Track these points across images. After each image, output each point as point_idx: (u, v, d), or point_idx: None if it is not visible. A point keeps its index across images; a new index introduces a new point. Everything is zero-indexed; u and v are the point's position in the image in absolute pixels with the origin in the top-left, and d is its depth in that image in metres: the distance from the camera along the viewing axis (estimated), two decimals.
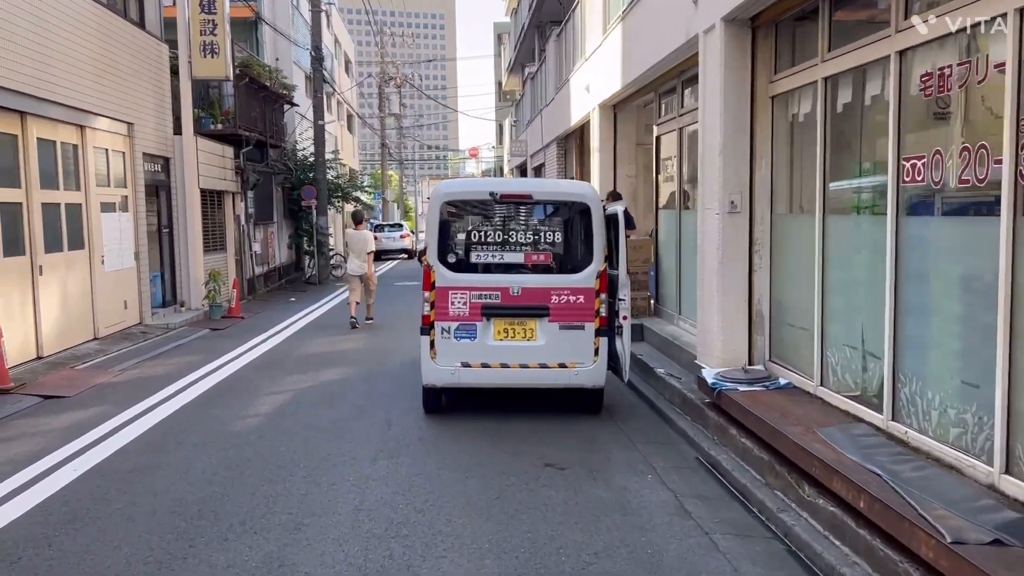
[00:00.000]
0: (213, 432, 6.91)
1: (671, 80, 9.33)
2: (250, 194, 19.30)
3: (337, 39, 37.44)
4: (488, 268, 7.05)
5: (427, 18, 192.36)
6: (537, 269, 7.08)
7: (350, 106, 38.76)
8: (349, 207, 31.97)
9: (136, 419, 7.43)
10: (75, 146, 11.59)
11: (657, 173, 10.17)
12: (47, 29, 10.45)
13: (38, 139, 10.44)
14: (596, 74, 12.07)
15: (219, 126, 18.10)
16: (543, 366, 7.00)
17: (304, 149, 24.77)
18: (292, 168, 23.64)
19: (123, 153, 13.23)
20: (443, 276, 7.01)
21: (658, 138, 10.08)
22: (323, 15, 26.25)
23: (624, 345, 7.16)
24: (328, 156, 24.49)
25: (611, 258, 7.21)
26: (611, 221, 7.30)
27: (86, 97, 11.56)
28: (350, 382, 9.05)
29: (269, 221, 21.34)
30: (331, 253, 25.18)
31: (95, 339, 11.88)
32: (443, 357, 7.04)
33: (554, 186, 7.61)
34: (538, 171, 22.25)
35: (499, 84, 54.12)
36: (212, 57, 15.23)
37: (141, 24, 14.17)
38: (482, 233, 7.04)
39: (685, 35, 7.62)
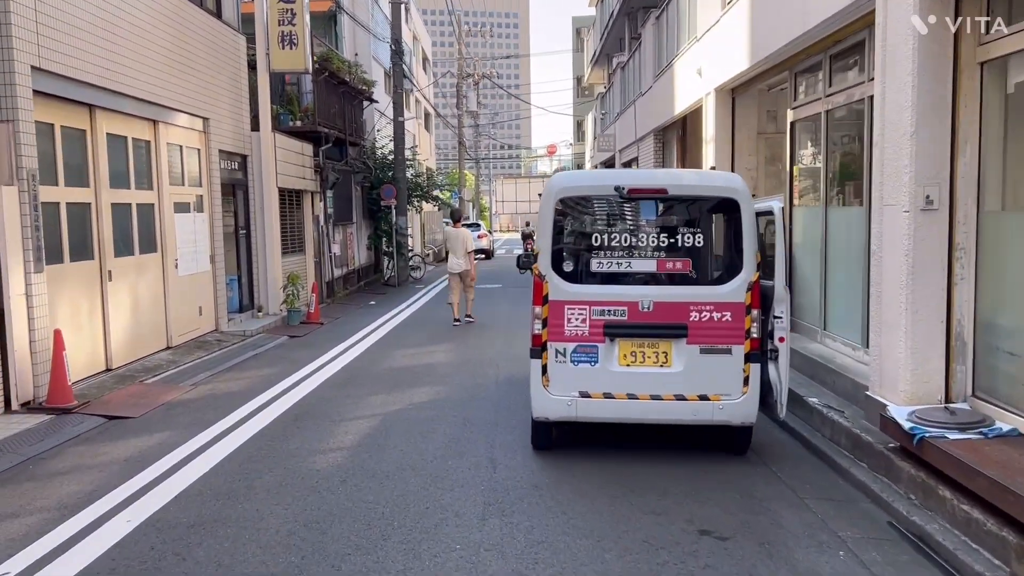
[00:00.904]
0: (290, 471, 5.88)
1: (814, 55, 7.93)
2: (329, 193, 18.54)
3: (415, 36, 36.76)
4: (613, 278, 5.84)
5: (501, 17, 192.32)
6: (673, 279, 5.83)
7: (428, 103, 38.03)
8: (428, 206, 31.17)
9: (203, 450, 6.47)
10: (147, 142, 10.85)
11: (792, 164, 8.78)
12: (116, 16, 9.69)
13: (108, 135, 9.69)
14: (711, 55, 10.73)
15: (298, 123, 17.41)
16: (679, 398, 5.75)
17: (383, 147, 24.01)
18: (371, 167, 22.88)
19: (198, 150, 12.50)
20: (557, 288, 5.83)
21: (793, 124, 8.68)
22: (402, 8, 25.48)
23: (781, 374, 5.86)
24: (407, 154, 23.68)
25: (764, 265, 5.92)
26: (763, 219, 6.01)
27: (159, 90, 10.81)
28: (443, 405, 7.96)
29: (348, 221, 20.59)
30: (410, 254, 24.35)
31: (168, 348, 11.13)
32: (557, 385, 5.86)
33: (695, 178, 6.30)
34: (628, 166, 20.90)
35: (577, 80, 52.84)
36: (291, 48, 14.42)
37: (218, 14, 13.44)
38: (606, 236, 5.83)
39: None
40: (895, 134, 5.48)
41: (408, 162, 24.11)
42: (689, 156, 14.42)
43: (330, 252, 18.36)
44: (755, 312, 5.71)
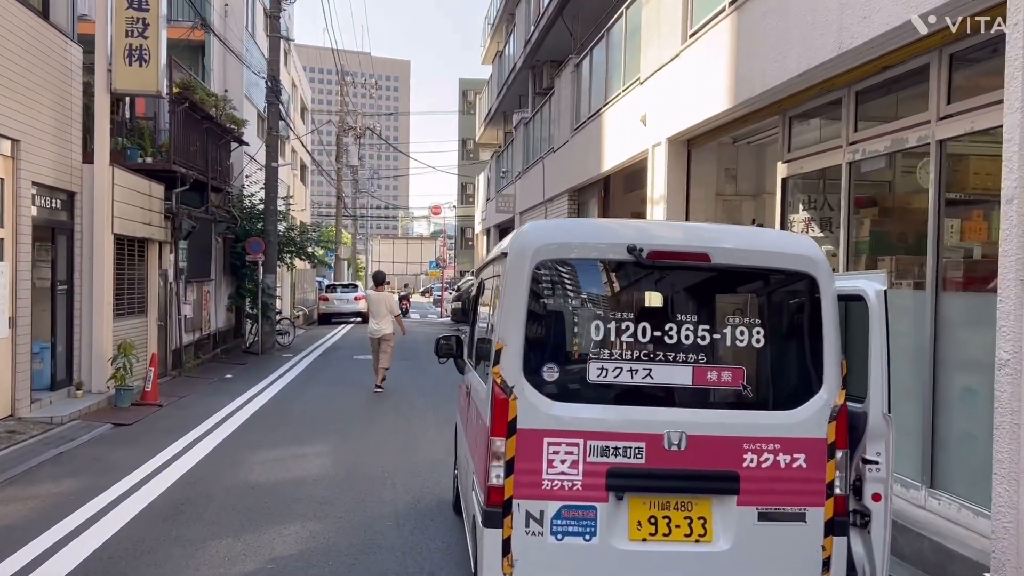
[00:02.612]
0: None
1: (829, 92, 6.17)
2: (182, 244, 15.59)
3: (295, 82, 34.22)
4: (622, 395, 3.61)
5: (381, 79, 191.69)
6: (716, 400, 3.67)
7: (306, 153, 35.33)
8: (300, 264, 28.27)
9: None
10: None
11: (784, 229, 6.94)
12: None
13: None
14: (662, 99, 8.96)
15: (149, 159, 14.57)
16: None
17: (252, 195, 21.19)
18: (237, 216, 19.99)
19: (0, 180, 9.56)
20: (532, 408, 3.54)
21: (785, 181, 6.88)
22: (281, 51, 23.07)
23: (876, 554, 3.77)
24: (280, 205, 20.97)
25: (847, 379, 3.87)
26: (844, 307, 3.98)
27: None
28: (322, 564, 5.41)
29: (205, 278, 17.57)
30: (278, 317, 21.40)
31: None
32: (529, 573, 3.54)
33: (749, 239, 4.13)
34: None
35: (463, 142, 51.50)
36: (140, 65, 11.75)
37: (43, 13, 10.65)
38: (611, 325, 3.62)
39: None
40: None
41: (280, 213, 21.37)
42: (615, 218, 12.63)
43: (180, 314, 15.32)
44: (841, 455, 3.62)
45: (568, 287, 3.72)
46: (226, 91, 20.15)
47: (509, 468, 3.53)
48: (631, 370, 3.56)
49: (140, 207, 13.27)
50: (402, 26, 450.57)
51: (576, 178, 13.51)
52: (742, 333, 3.61)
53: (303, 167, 37.08)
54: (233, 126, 19.11)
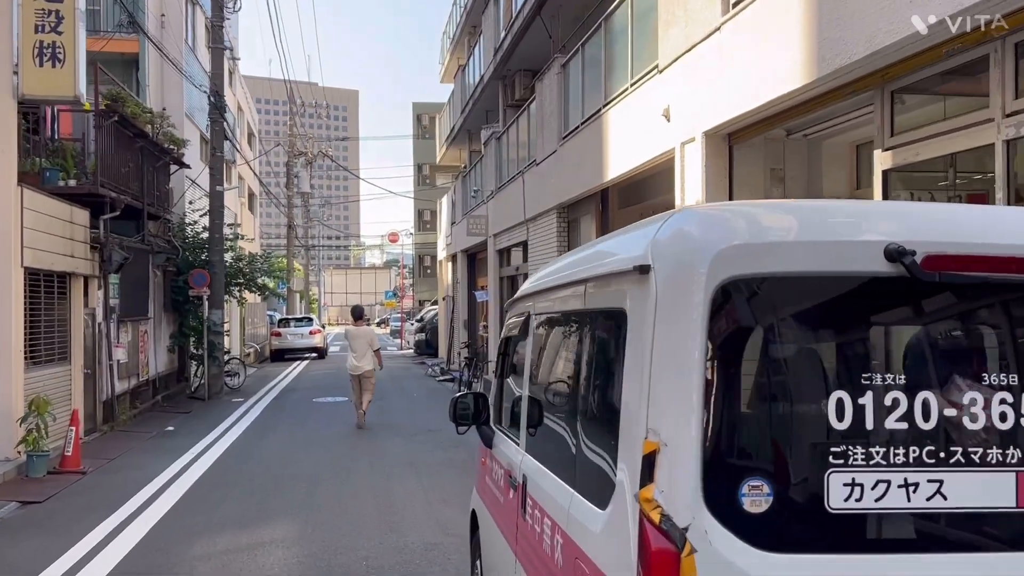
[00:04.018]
0: None
1: (976, 47, 4.57)
2: (114, 279, 13.57)
3: (240, 106, 32.23)
4: (891, 535, 1.92)
5: (330, 108, 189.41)
6: None
7: (254, 179, 33.26)
8: (251, 297, 26.17)
9: None
10: None
11: None
12: None
13: None
14: (692, 87, 7.40)
15: (72, 182, 12.63)
16: None
17: (195, 223, 19.17)
18: (179, 247, 17.96)
19: None
20: (729, 570, 1.82)
21: (887, 174, 5.31)
22: (226, 70, 21.20)
23: None
24: (227, 232, 18.98)
25: None
26: None
27: None
28: None
29: (142, 316, 15.51)
30: (226, 357, 19.32)
31: None
32: None
33: None
34: (507, 254, 17.38)
35: (418, 167, 49.79)
36: (54, 66, 9.87)
37: None
38: (864, 400, 1.88)
39: None
40: None
41: (228, 242, 19.37)
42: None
43: (111, 359, 13.25)
44: None
45: (781, 327, 2.02)
46: (164, 109, 18.17)
47: None
48: (908, 485, 1.86)
49: (59, 236, 11.30)
50: (350, 54, 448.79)
51: (567, 192, 11.90)
52: None
53: (251, 195, 34.98)
54: (172, 146, 17.17)
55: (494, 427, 4.21)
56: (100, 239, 12.80)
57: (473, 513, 4.79)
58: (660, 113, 8.03)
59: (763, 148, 7.21)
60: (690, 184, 7.51)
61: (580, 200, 11.83)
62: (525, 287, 3.73)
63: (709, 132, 7.20)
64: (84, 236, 12.28)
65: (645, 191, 10.54)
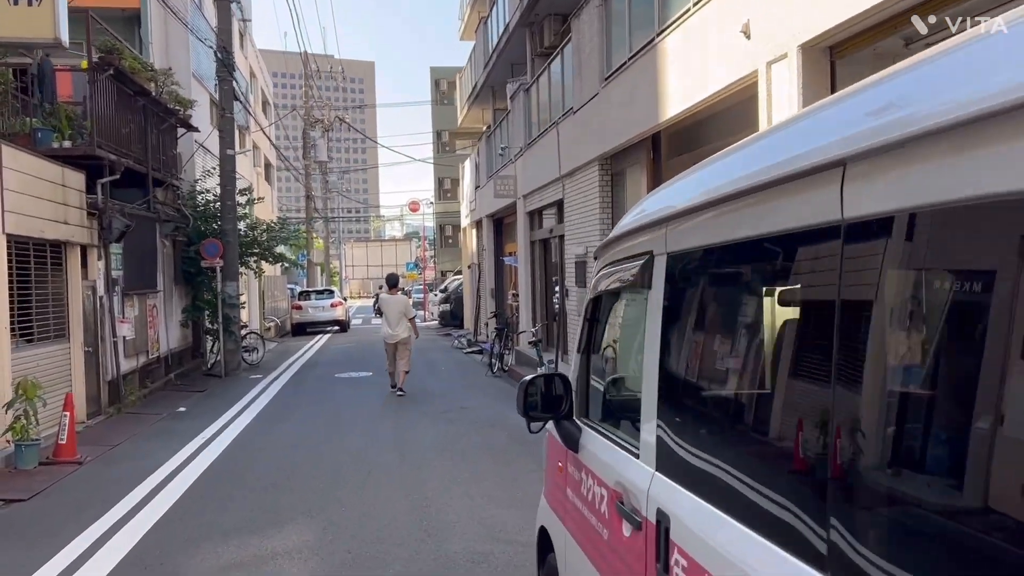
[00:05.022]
0: None
1: None
2: (115, 248, 12.49)
3: (253, 71, 30.97)
4: None
5: (346, 80, 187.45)
6: None
7: (270, 146, 32.09)
8: (270, 269, 25.12)
9: None
10: None
11: None
12: None
13: None
14: None
15: (67, 143, 11.57)
16: None
17: (207, 191, 18.03)
18: (189, 215, 16.85)
19: None
20: None
21: None
22: (236, 32, 19.94)
23: None
24: (240, 200, 17.80)
25: None
26: None
27: None
28: None
29: (150, 289, 14.44)
30: (243, 332, 18.28)
31: None
32: None
33: None
34: (539, 216, 16.10)
35: (437, 134, 48.38)
36: (31, 4, 8.67)
37: None
38: None
39: None
40: None
41: (241, 210, 18.24)
42: None
43: (115, 336, 12.20)
44: None
45: None
46: (170, 68, 16.96)
47: None
48: None
49: (50, 200, 10.20)
50: (366, 25, 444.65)
51: (612, 139, 10.59)
52: None
53: (267, 165, 33.81)
54: (178, 107, 16.00)
55: (580, 422, 3.00)
56: (98, 205, 11.70)
57: (543, 532, 3.61)
58: (739, 30, 6.69)
59: (872, 67, 5.87)
60: (779, 115, 6.20)
61: (627, 148, 10.51)
62: (643, 213, 2.46)
63: (806, 45, 5.86)
64: (80, 201, 11.18)
65: (706, 133, 9.23)
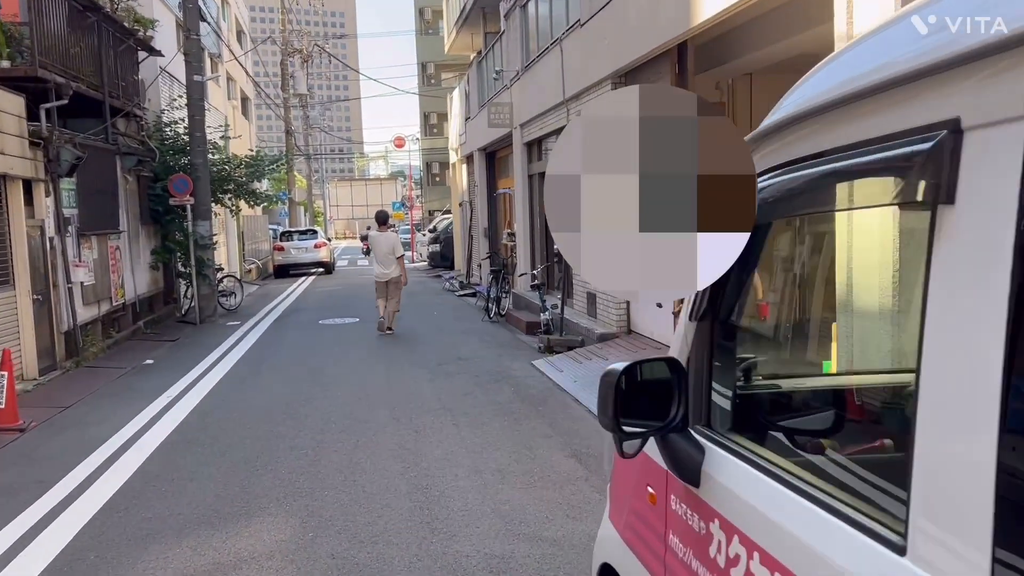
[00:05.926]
0: None
1: None
2: (67, 183, 11.10)
3: None
4: None
5: (327, 16, 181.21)
6: None
7: (247, 79, 30.25)
8: (248, 210, 23.68)
9: None
10: None
11: None
12: None
13: None
14: None
15: (5, 63, 10.17)
16: None
17: (177, 122, 16.50)
18: (156, 149, 15.37)
19: None
20: None
21: None
22: None
23: None
24: (213, 133, 16.30)
25: None
26: None
27: None
28: None
29: (111, 229, 13.08)
30: (219, 275, 16.98)
31: None
32: None
33: None
34: (538, 146, 14.73)
35: (422, 66, 46.30)
36: None
37: None
38: None
39: None
40: None
41: (213, 144, 16.75)
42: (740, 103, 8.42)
43: (69, 282, 10.91)
44: None
45: None
46: None
47: None
48: None
49: None
50: None
51: (629, 52, 9.22)
52: None
53: (244, 99, 31.97)
54: (137, 26, 14.41)
55: (700, 436, 1.81)
56: (43, 133, 10.29)
57: (607, 571, 2.47)
58: None
59: None
60: (863, 3, 4.89)
61: (646, 63, 9.16)
62: (920, 50, 1.20)
63: None
64: (19, 129, 9.77)
65: (743, 43, 7.92)
